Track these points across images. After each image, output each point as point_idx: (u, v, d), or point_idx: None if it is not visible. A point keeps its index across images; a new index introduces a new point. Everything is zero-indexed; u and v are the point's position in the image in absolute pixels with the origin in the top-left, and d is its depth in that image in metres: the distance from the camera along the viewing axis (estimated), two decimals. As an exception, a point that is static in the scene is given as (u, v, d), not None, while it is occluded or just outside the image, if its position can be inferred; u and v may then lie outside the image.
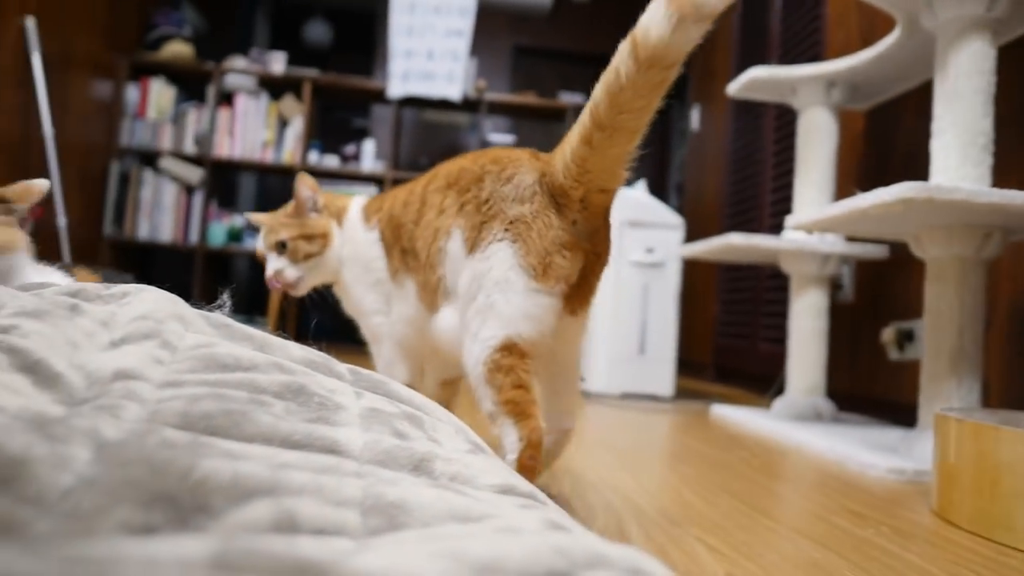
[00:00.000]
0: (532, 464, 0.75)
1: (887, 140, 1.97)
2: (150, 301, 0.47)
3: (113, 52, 3.36)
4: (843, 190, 2.16)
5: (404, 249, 0.97)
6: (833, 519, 0.91)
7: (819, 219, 1.36)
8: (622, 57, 0.71)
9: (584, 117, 0.76)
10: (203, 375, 0.40)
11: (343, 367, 0.51)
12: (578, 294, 0.82)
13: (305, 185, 1.06)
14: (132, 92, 3.53)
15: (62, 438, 0.28)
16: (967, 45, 1.25)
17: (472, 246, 0.83)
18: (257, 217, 1.12)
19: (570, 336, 0.85)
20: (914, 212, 1.18)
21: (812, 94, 1.81)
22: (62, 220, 2.80)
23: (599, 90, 0.74)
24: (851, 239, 1.98)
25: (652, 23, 0.68)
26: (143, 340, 0.42)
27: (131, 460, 0.28)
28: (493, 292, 0.79)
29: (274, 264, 1.07)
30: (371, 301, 1.05)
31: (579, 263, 0.80)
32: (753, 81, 1.84)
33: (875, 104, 1.95)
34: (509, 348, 0.78)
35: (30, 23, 2.61)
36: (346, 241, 1.07)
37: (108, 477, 0.27)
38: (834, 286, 2.15)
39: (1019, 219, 1.19)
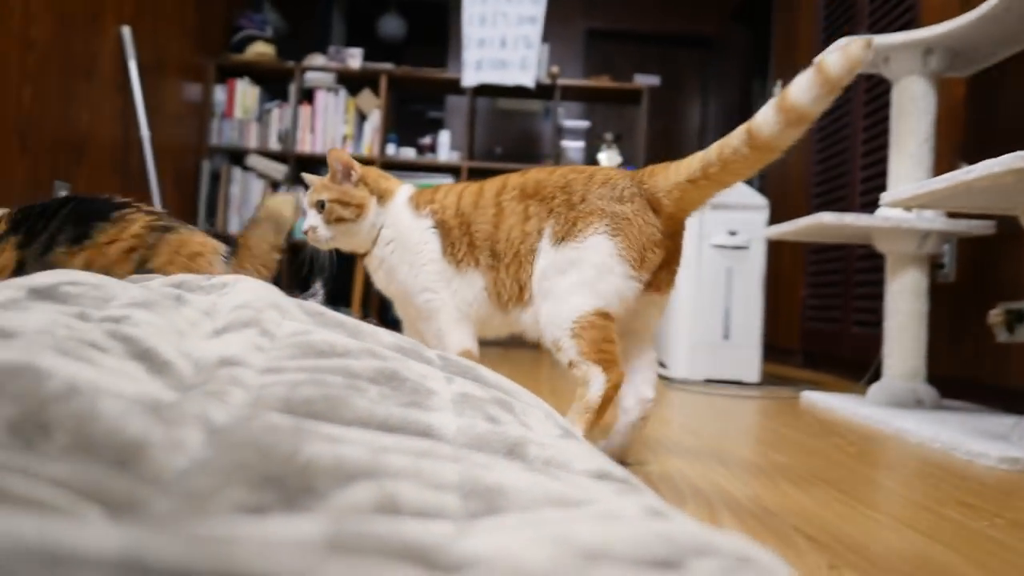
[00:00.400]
0: (612, 395, 0.93)
1: (991, 108, 1.84)
2: (248, 291, 0.49)
3: (201, 56, 3.51)
4: (942, 163, 2.03)
5: (475, 245, 1.08)
6: (941, 510, 0.86)
7: (918, 194, 1.28)
8: (739, 139, 0.91)
9: (697, 164, 0.94)
10: (301, 361, 0.41)
11: (432, 353, 0.52)
12: (659, 279, 0.99)
13: (335, 158, 1.16)
14: (219, 93, 3.68)
15: (176, 422, 0.30)
16: (1087, -1, 1.15)
17: (563, 238, 0.98)
18: (309, 177, 1.24)
19: (651, 313, 1.03)
20: (1027, 183, 1.10)
21: (907, 62, 1.71)
22: (160, 218, 2.96)
23: (715, 152, 0.92)
24: (953, 215, 1.87)
25: (765, 123, 0.88)
26: (244, 328, 0.43)
27: (240, 443, 0.29)
28: (590, 272, 0.95)
29: (310, 220, 1.18)
30: (420, 281, 1.13)
31: (662, 256, 0.98)
32: (842, 51, 1.75)
33: (977, 70, 1.83)
34: (602, 315, 0.95)
35: (126, 32, 2.75)
36: (390, 223, 1.16)
37: (220, 459, 0.28)
38: (934, 265, 2.03)
39: None
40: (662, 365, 2.38)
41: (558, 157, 3.88)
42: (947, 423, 1.42)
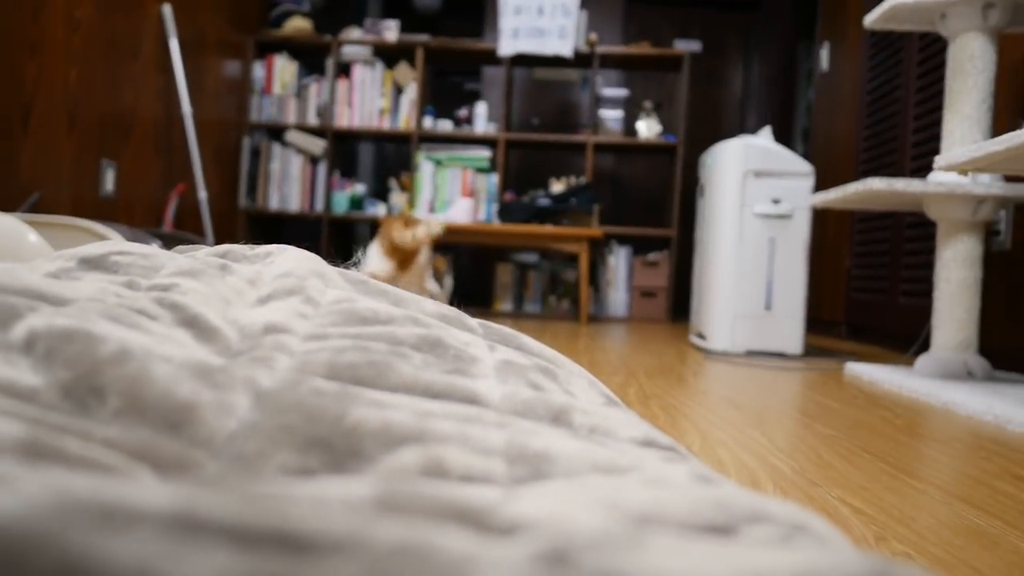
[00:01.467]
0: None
1: (1055, 66, 1.75)
2: (292, 260, 0.49)
3: (240, 32, 3.53)
4: (1002, 124, 1.95)
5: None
6: (994, 483, 0.84)
7: (975, 157, 1.23)
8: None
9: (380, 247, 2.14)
10: (345, 328, 0.41)
11: (474, 321, 0.52)
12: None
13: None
14: (258, 69, 3.71)
15: (224, 386, 0.30)
16: None
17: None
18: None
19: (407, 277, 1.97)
20: (1093, 144, 1.05)
21: (966, 18, 1.63)
22: (203, 194, 3.01)
23: (388, 245, 1.94)
24: (1011, 179, 1.79)
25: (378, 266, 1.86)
26: (288, 296, 0.44)
27: (287, 407, 0.29)
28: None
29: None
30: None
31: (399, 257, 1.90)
32: (896, 9, 1.68)
33: (1041, 26, 1.73)
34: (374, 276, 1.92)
35: (167, 10, 2.78)
36: None
37: (267, 422, 0.28)
38: (989, 232, 1.96)
39: None
40: (702, 336, 2.35)
41: (596, 127, 3.83)
42: (1000, 395, 1.38)
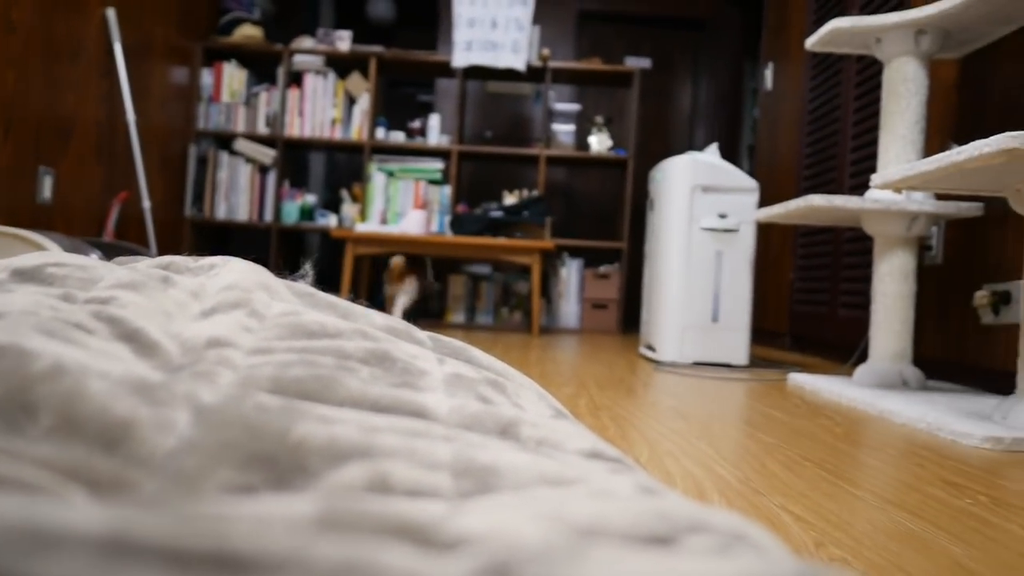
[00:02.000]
0: None
1: (982, 89, 1.84)
2: (237, 272, 0.48)
3: (188, 38, 3.46)
4: (933, 145, 2.04)
5: None
6: (926, 489, 0.87)
7: (908, 176, 1.29)
8: None
9: None
10: (291, 342, 0.40)
11: (424, 334, 0.52)
12: None
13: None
14: (206, 76, 3.64)
15: (163, 402, 0.29)
16: (1077, -20, 1.15)
17: None
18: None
19: None
20: (1017, 164, 1.10)
21: (899, 43, 1.71)
22: (146, 203, 2.93)
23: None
24: (941, 197, 1.88)
25: None
26: (232, 309, 0.43)
27: (229, 423, 0.29)
28: None
29: None
30: None
31: None
32: (834, 33, 1.75)
33: (969, 51, 1.83)
34: None
35: (111, 14, 2.71)
36: None
37: (208, 439, 0.28)
38: (922, 247, 2.04)
39: None
40: (651, 348, 2.39)
41: (549, 140, 3.86)
42: (932, 404, 1.43)
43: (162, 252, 3.29)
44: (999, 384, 1.73)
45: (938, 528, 0.72)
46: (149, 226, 2.95)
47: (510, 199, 3.81)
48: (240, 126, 3.66)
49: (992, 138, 1.05)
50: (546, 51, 3.70)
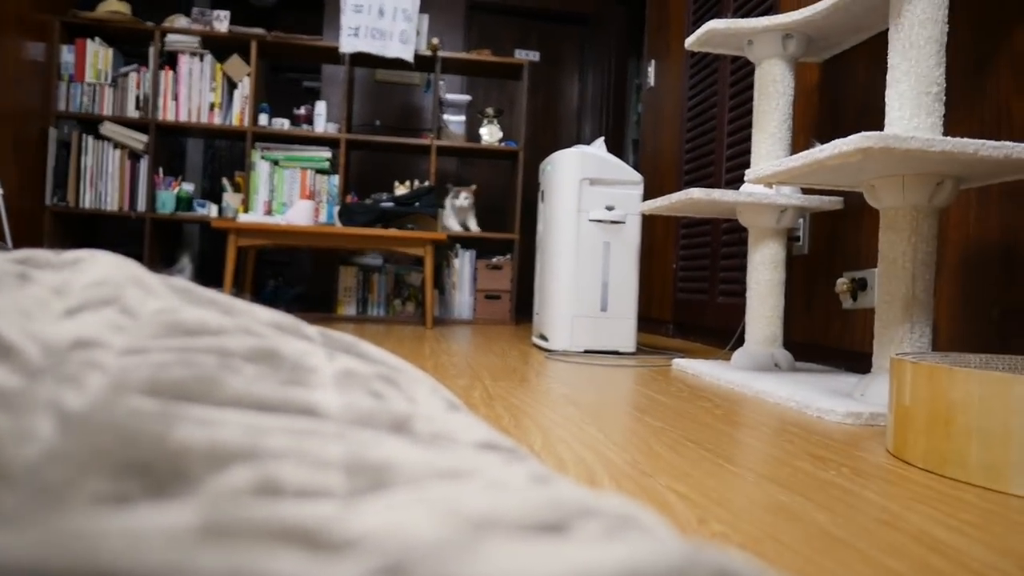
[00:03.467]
0: None
1: (842, 92, 1.99)
2: (106, 266, 0.45)
3: (44, 11, 3.18)
4: (799, 142, 2.19)
5: None
6: (796, 463, 0.94)
7: (778, 171, 1.37)
8: None
9: None
10: (168, 341, 0.38)
11: (312, 329, 0.50)
12: None
13: None
14: (67, 54, 3.36)
15: (22, 409, 0.27)
16: (921, -6, 1.26)
17: None
18: None
19: None
20: (871, 161, 1.20)
21: (768, 46, 1.82)
22: (-1, 190, 2.68)
23: None
24: (807, 191, 2.02)
25: None
26: (101, 307, 0.40)
27: (99, 430, 0.27)
28: None
29: None
30: None
31: None
32: (711, 33, 1.83)
33: (830, 56, 1.97)
34: None
35: (-50, -20, 2.44)
36: None
37: (75, 448, 0.26)
38: (791, 238, 2.19)
39: (969, 167, 1.22)
40: (543, 337, 2.43)
41: (439, 131, 3.84)
42: (801, 384, 1.55)
43: (18, 246, 3.02)
44: (859, 364, 1.89)
45: (806, 499, 0.78)
46: (2, 216, 2.70)
47: (401, 189, 3.76)
48: (107, 109, 3.40)
49: (849, 137, 1.14)
50: (435, 40, 3.67)
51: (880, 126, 1.76)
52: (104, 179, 3.42)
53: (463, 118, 4.20)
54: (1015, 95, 1.41)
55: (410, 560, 0.18)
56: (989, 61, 1.48)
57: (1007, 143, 1.13)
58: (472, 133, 4.49)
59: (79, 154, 3.38)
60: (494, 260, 3.86)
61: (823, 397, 1.36)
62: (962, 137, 1.39)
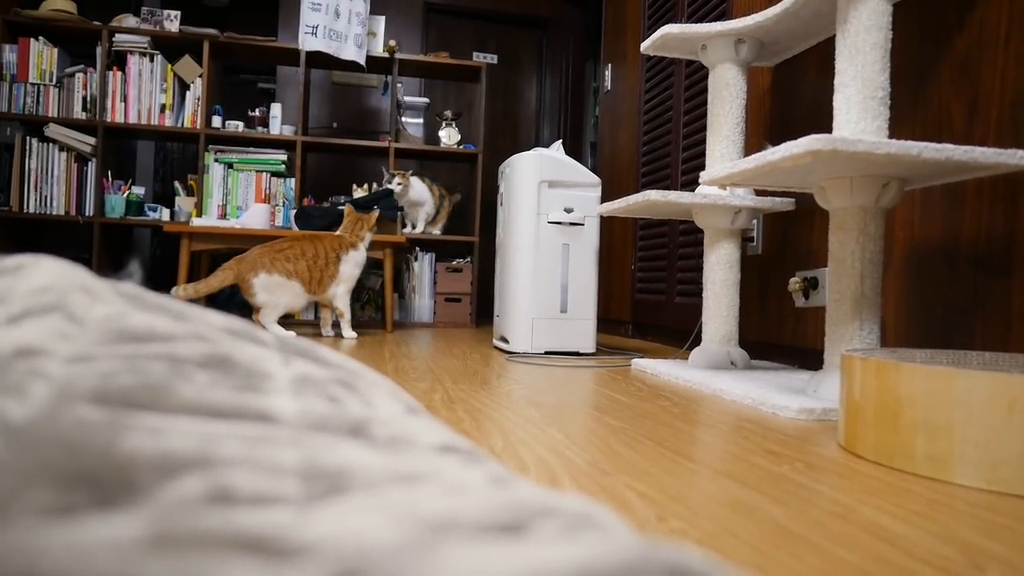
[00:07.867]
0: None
1: (792, 96, 2.04)
2: (50, 272, 0.44)
3: (-17, 8, 3.07)
4: (752, 145, 2.23)
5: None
6: (751, 459, 0.96)
7: (731, 173, 1.40)
8: None
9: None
10: (116, 348, 0.37)
11: (267, 334, 0.49)
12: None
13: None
14: (9, 54, 3.25)
15: (-39, 422, 0.26)
16: (866, 1, 1.30)
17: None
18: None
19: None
20: (821, 164, 1.23)
21: (721, 50, 1.85)
22: (-64, 194, 2.57)
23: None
24: (760, 192, 2.06)
25: None
26: (45, 314, 0.39)
27: (43, 441, 0.26)
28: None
29: None
30: None
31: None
32: (666, 38, 1.86)
33: (781, 61, 2.02)
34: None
35: None
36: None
37: (18, 460, 0.25)
38: (745, 239, 2.23)
39: (913, 169, 1.26)
40: (504, 340, 2.43)
41: (398, 134, 3.82)
42: (756, 381, 1.58)
43: (-42, 251, 2.90)
44: (811, 361, 1.94)
45: (761, 493, 0.79)
46: (-60, 221, 2.59)
47: (359, 192, 3.73)
48: (52, 110, 3.30)
49: (799, 140, 1.17)
50: (393, 42, 3.64)
51: (829, 129, 1.81)
52: (50, 182, 3.31)
53: (422, 120, 4.18)
54: (955, 100, 1.46)
55: (366, 565, 0.17)
56: (931, 68, 1.53)
57: (948, 146, 1.17)
58: (431, 136, 4.48)
59: (23, 156, 3.26)
60: (454, 263, 3.85)
61: (777, 394, 1.39)
62: (906, 140, 1.43)
